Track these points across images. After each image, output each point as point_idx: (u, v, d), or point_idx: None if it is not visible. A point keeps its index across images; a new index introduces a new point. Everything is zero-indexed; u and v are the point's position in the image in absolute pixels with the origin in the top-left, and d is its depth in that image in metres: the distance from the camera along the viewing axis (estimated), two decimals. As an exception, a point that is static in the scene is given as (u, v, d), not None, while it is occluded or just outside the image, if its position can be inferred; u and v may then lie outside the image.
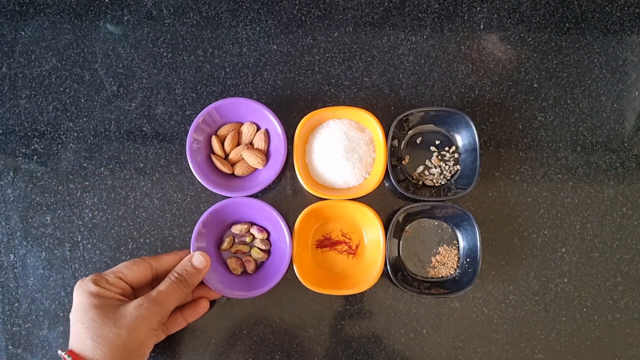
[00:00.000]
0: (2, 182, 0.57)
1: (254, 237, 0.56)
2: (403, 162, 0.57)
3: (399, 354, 0.55)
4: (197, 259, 0.48)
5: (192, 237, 0.52)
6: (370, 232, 0.55)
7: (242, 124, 0.57)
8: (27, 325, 0.56)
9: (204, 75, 0.59)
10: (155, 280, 0.50)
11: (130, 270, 0.48)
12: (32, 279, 0.56)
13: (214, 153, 0.56)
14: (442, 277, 0.56)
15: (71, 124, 0.58)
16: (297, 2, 0.60)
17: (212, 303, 0.55)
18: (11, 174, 0.58)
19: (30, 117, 0.58)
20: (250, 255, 0.56)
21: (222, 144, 0.56)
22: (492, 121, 0.58)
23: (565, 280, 0.56)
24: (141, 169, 0.57)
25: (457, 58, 0.59)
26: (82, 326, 0.43)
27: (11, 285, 0.56)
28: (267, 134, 0.56)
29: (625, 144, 0.58)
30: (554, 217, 0.57)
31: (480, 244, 0.52)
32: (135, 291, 0.49)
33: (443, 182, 0.57)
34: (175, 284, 0.46)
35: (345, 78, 0.59)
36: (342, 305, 0.56)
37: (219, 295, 0.53)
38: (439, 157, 0.57)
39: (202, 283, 0.52)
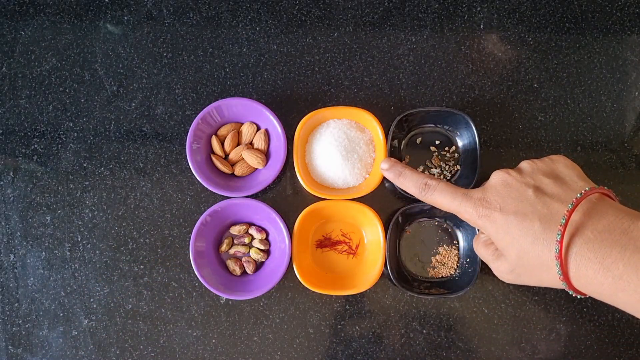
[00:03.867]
0: (2, 182, 0.57)
1: (252, 238, 0.56)
2: (403, 162, 0.57)
3: (399, 354, 0.55)
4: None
5: (191, 240, 0.52)
6: (370, 232, 0.55)
7: (242, 124, 0.57)
8: (27, 325, 0.56)
9: (204, 75, 0.59)
10: None
11: None
12: (32, 279, 0.56)
13: (214, 153, 0.56)
14: (442, 277, 0.56)
15: (71, 124, 0.58)
16: (297, 2, 0.60)
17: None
18: (11, 174, 0.58)
19: (30, 117, 0.58)
20: (249, 256, 0.56)
21: (222, 144, 0.56)
22: (492, 121, 0.58)
23: (565, 280, 0.56)
24: (141, 169, 0.57)
25: (457, 58, 0.59)
26: None
27: (11, 285, 0.56)
28: (267, 134, 0.56)
29: (625, 144, 0.58)
30: (554, 217, 0.57)
31: (480, 244, 0.52)
32: None
33: (443, 182, 0.57)
34: None
35: (345, 78, 0.59)
36: (342, 305, 0.56)
37: None
38: (439, 157, 0.57)
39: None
